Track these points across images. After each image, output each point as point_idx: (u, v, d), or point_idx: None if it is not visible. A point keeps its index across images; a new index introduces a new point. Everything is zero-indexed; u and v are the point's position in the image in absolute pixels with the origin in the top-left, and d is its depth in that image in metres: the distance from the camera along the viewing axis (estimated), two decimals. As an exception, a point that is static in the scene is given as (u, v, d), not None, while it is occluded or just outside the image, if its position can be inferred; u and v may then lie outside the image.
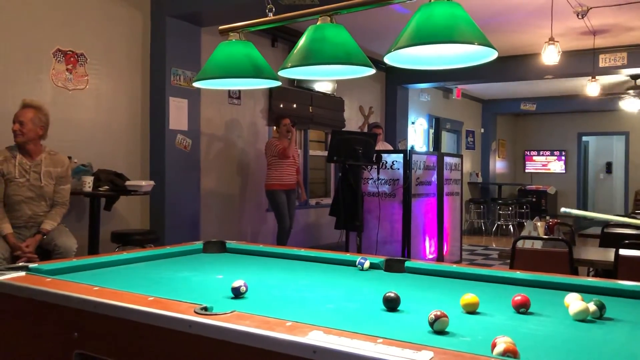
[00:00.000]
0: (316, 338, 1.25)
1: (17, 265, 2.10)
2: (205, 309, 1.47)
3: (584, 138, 14.09)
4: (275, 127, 6.46)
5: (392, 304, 1.67)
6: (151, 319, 1.49)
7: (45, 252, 3.80)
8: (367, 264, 2.36)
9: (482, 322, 1.57)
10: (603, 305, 1.62)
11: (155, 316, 1.48)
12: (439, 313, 1.44)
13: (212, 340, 1.37)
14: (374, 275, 2.27)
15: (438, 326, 1.44)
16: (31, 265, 2.07)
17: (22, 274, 1.95)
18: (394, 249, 6.33)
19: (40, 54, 4.55)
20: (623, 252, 3.40)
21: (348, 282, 2.15)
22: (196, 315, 1.43)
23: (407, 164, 6.38)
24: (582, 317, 1.59)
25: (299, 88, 7.41)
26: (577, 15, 6.17)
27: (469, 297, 1.67)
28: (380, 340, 1.24)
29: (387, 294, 1.69)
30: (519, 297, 1.69)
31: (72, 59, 4.78)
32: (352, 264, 2.45)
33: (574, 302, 1.63)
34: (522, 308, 1.67)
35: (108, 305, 1.58)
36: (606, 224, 5.15)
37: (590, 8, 6.05)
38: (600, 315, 1.62)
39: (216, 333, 1.37)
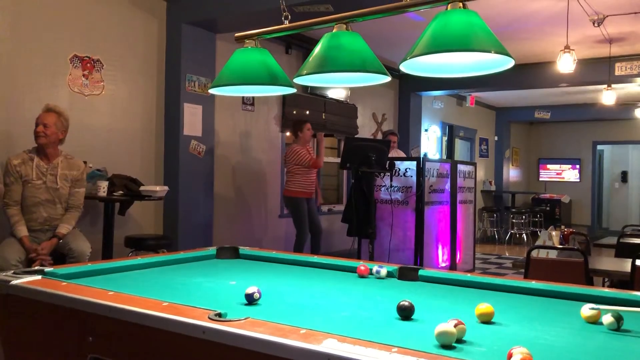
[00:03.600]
0: (330, 346, 1.25)
1: (33, 269, 2.11)
2: (219, 315, 1.47)
3: (599, 147, 13.97)
4: (296, 133, 6.19)
5: (406, 312, 1.66)
6: (165, 324, 1.49)
7: (60, 255, 3.84)
8: (383, 272, 2.35)
9: (497, 332, 1.56)
10: (621, 317, 1.60)
11: (169, 321, 1.48)
12: (456, 322, 1.43)
13: (225, 347, 1.37)
14: (388, 284, 2.26)
15: (458, 334, 1.43)
16: (47, 269, 2.09)
17: (38, 277, 1.96)
18: (406, 257, 6.30)
19: (57, 60, 4.61)
20: (640, 262, 3.36)
21: (362, 290, 2.15)
22: (210, 321, 1.43)
23: (420, 171, 6.35)
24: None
25: (313, 95, 7.43)
26: (593, 23, 6.13)
27: (484, 307, 1.66)
28: (395, 349, 1.23)
29: (401, 303, 1.68)
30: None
31: (88, 64, 4.83)
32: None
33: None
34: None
35: (123, 310, 1.58)
36: (622, 234, 5.09)
37: (607, 16, 6.00)
38: (617, 327, 1.59)
39: (230, 339, 1.37)
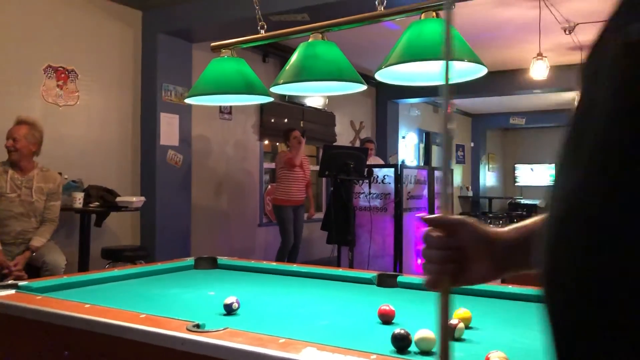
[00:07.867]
0: (310, 355, 1.25)
1: (6, 283, 2.07)
2: (198, 326, 1.46)
3: (573, 152, 14.20)
4: (286, 142, 6.37)
5: (401, 342, 1.41)
6: (143, 336, 1.47)
7: (34, 268, 3.77)
8: None
9: (475, 337, 1.57)
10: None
11: (147, 334, 1.47)
12: (455, 321, 1.49)
13: (204, 358, 1.36)
14: (367, 290, 2.26)
15: (457, 334, 1.50)
16: (20, 283, 2.05)
17: (12, 292, 1.93)
18: (385, 263, 6.32)
19: (31, 71, 4.54)
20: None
21: (341, 298, 2.15)
22: (188, 332, 1.42)
23: (398, 178, 6.39)
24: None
25: (291, 103, 7.43)
26: (565, 31, 6.26)
27: (462, 312, 1.67)
28: (374, 356, 1.24)
29: (396, 332, 1.42)
30: (385, 307, 1.70)
31: (62, 75, 4.77)
32: (344, 279, 2.45)
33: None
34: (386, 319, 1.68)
35: (99, 323, 1.56)
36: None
37: (577, 24, 6.13)
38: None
39: (209, 350, 1.36)
